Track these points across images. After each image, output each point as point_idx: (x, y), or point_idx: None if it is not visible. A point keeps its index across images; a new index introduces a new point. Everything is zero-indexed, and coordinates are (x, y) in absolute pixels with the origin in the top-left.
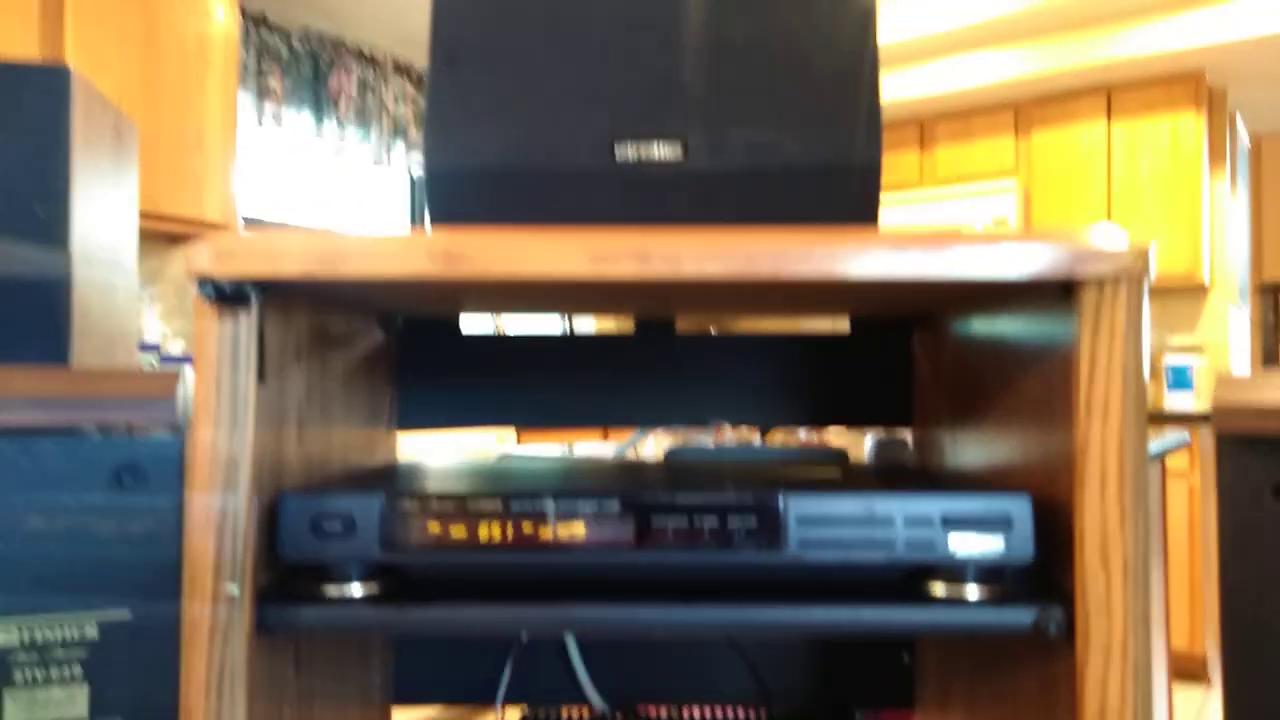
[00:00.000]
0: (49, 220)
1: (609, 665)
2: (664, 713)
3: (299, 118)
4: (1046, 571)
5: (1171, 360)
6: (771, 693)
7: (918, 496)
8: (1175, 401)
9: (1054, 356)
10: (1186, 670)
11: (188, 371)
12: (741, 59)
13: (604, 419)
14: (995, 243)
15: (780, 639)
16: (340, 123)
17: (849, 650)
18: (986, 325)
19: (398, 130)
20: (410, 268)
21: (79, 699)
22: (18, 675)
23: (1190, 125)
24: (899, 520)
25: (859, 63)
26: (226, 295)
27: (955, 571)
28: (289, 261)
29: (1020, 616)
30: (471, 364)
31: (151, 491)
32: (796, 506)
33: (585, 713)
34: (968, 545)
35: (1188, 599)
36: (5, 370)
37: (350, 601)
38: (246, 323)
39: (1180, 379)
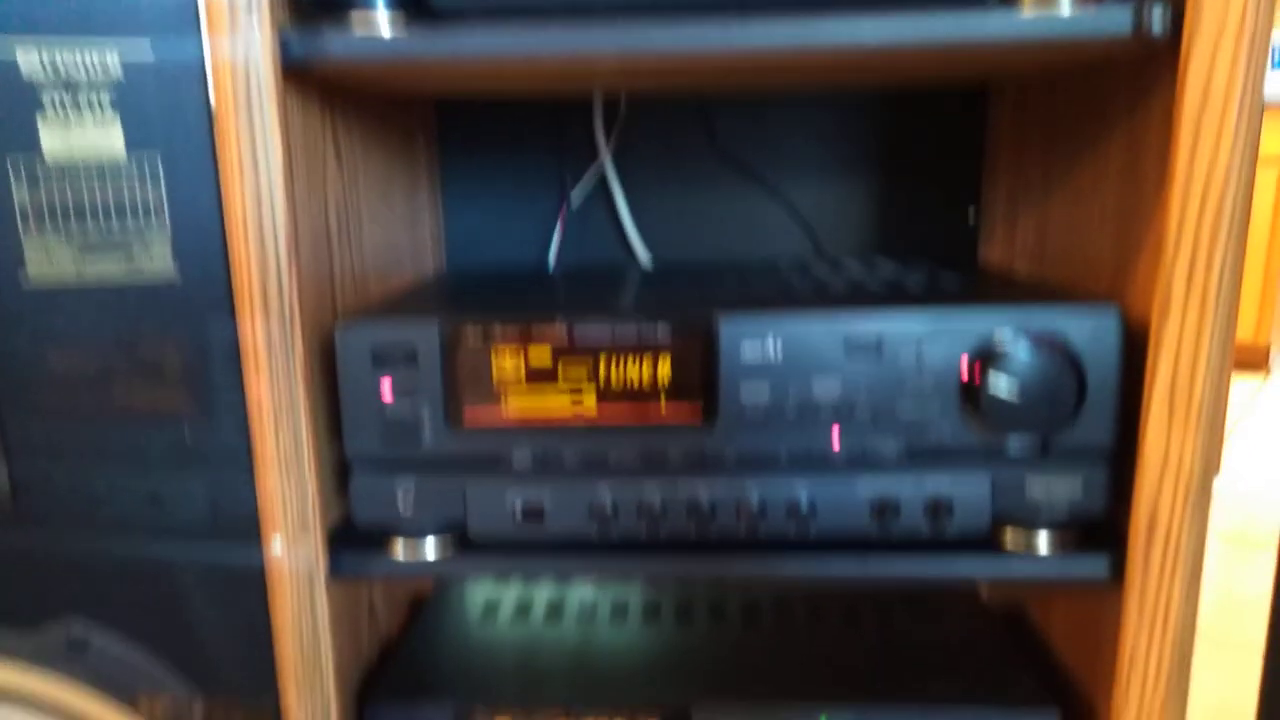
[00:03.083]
0: None
1: (656, 229)
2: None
3: None
4: None
5: (1277, 40)
6: (825, 252)
7: None
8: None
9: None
10: (1247, 361)
11: None
12: None
13: None
14: None
15: (838, 200)
16: None
17: (909, 208)
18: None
19: None
20: None
21: (113, 132)
22: (47, 107)
23: None
24: None
25: None
26: None
27: None
28: None
29: (1117, 19)
30: None
31: None
32: None
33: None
34: None
35: (1259, 294)
36: None
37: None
38: None
39: None
